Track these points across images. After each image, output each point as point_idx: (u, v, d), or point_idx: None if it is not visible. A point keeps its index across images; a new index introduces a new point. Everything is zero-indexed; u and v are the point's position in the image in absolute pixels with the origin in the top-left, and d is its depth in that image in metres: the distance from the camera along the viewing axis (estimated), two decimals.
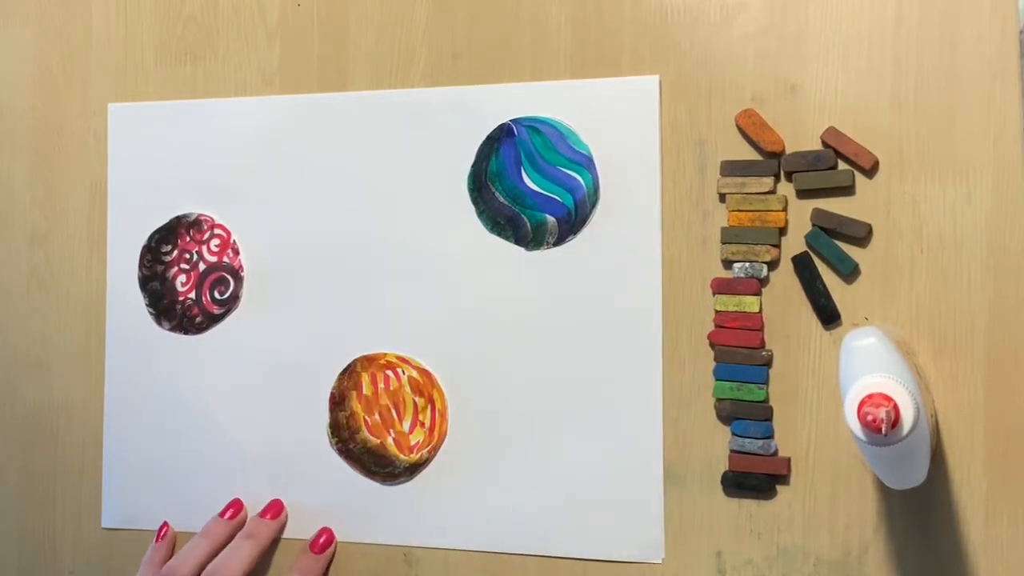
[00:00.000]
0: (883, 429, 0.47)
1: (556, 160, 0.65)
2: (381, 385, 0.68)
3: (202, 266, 0.71)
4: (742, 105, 0.61)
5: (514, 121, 0.66)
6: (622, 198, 0.63)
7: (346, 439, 0.68)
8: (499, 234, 0.66)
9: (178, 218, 0.71)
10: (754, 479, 0.61)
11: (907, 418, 0.48)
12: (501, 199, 0.65)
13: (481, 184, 0.66)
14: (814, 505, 0.60)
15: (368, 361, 0.68)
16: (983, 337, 0.58)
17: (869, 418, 0.47)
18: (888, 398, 0.47)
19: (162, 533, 0.70)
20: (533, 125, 0.65)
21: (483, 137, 0.66)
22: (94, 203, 0.74)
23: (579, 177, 0.64)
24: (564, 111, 0.64)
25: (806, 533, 0.61)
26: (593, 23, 0.64)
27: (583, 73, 0.65)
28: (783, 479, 0.61)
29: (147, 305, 0.72)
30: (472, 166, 0.66)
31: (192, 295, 0.71)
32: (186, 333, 0.71)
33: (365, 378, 0.68)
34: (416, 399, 0.67)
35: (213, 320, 0.70)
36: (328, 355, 0.68)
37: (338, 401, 0.68)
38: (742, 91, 0.61)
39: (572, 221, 0.64)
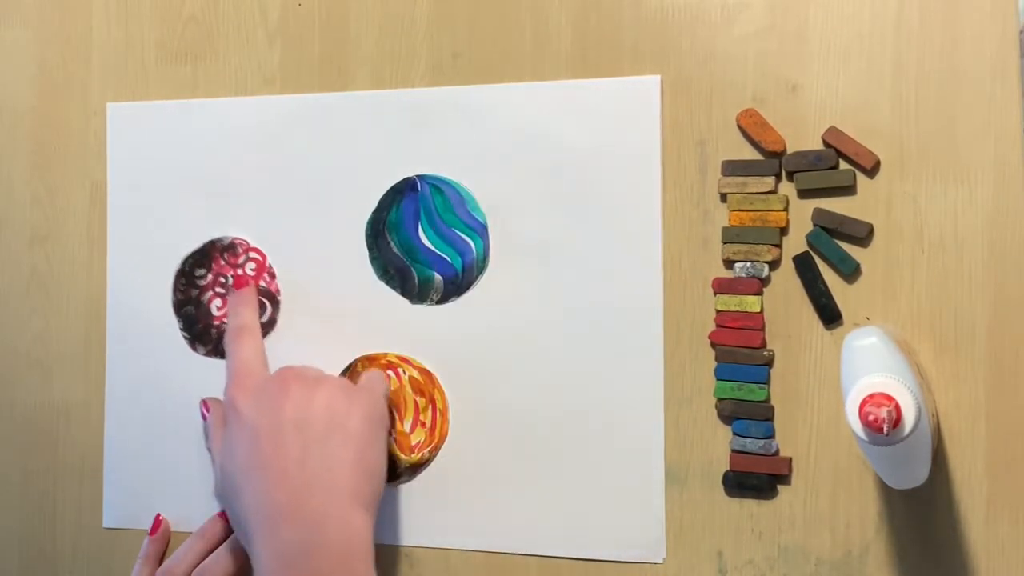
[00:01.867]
0: (885, 429, 0.47)
1: (453, 222, 0.66)
2: None
3: None
4: (743, 105, 0.61)
5: (419, 177, 0.67)
6: (622, 198, 0.63)
7: None
8: (387, 283, 0.67)
9: (212, 242, 0.71)
10: (755, 479, 0.61)
11: (908, 418, 0.48)
12: (395, 249, 0.67)
13: (378, 232, 0.67)
14: (815, 505, 0.60)
15: (369, 361, 0.68)
16: (984, 337, 0.58)
17: (871, 418, 0.47)
18: (889, 398, 0.47)
19: (156, 526, 0.70)
20: (436, 184, 0.66)
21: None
22: (94, 203, 0.74)
23: (471, 242, 0.66)
24: (564, 111, 0.64)
25: (807, 533, 0.61)
26: (594, 23, 0.64)
27: (584, 73, 0.65)
28: (784, 479, 0.61)
29: (181, 330, 0.71)
30: (373, 213, 0.67)
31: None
32: (222, 357, 0.70)
33: None
34: (417, 399, 0.67)
35: None
36: (329, 354, 0.68)
37: None
38: (743, 91, 0.62)
39: (458, 283, 0.66)
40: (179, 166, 0.72)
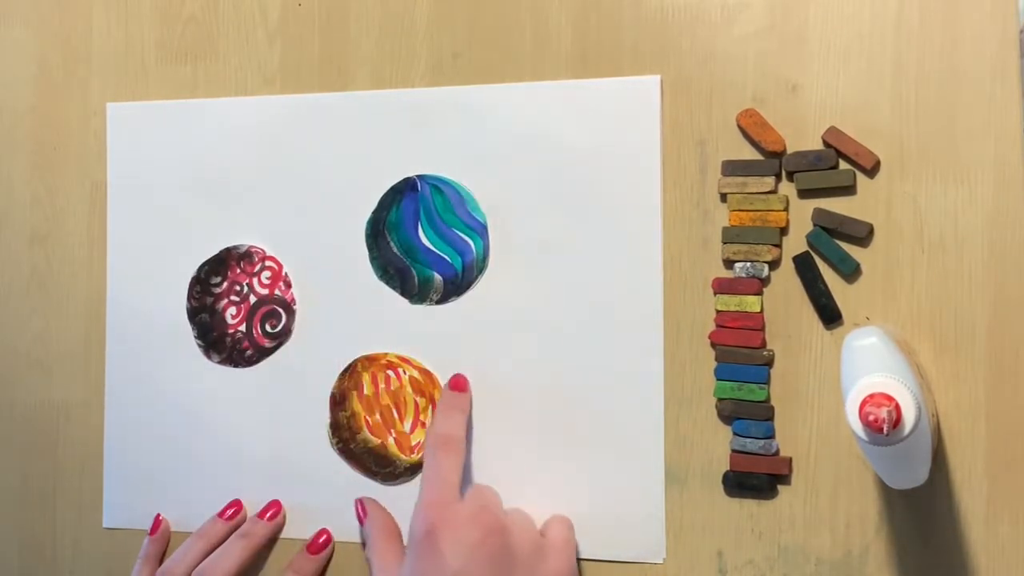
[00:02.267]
0: (885, 429, 0.47)
1: (453, 222, 0.66)
2: (382, 385, 0.68)
3: (252, 299, 0.70)
4: (743, 105, 0.61)
5: (419, 177, 0.66)
6: (623, 198, 0.63)
7: (347, 439, 0.68)
8: (387, 283, 0.67)
9: (228, 249, 0.70)
10: (755, 479, 0.61)
11: (908, 418, 0.48)
12: (395, 249, 0.66)
13: (378, 232, 0.67)
14: (815, 505, 0.60)
15: (369, 361, 0.68)
16: (984, 337, 0.58)
17: (871, 418, 0.47)
18: (889, 398, 0.47)
19: (156, 526, 0.70)
20: (436, 184, 0.66)
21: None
22: (94, 203, 0.74)
23: (471, 242, 0.66)
24: (564, 111, 0.65)
25: (807, 533, 0.61)
26: (594, 23, 0.64)
27: (584, 73, 0.65)
28: (784, 479, 0.61)
29: (196, 337, 0.71)
30: (373, 213, 0.67)
31: (243, 328, 0.70)
32: (236, 366, 0.70)
33: (366, 378, 0.68)
34: (417, 399, 0.67)
35: (264, 353, 0.70)
36: (329, 355, 0.68)
37: (339, 401, 0.68)
38: (743, 91, 0.62)
39: (458, 283, 0.66)
40: (179, 166, 0.71)
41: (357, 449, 0.68)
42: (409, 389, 0.67)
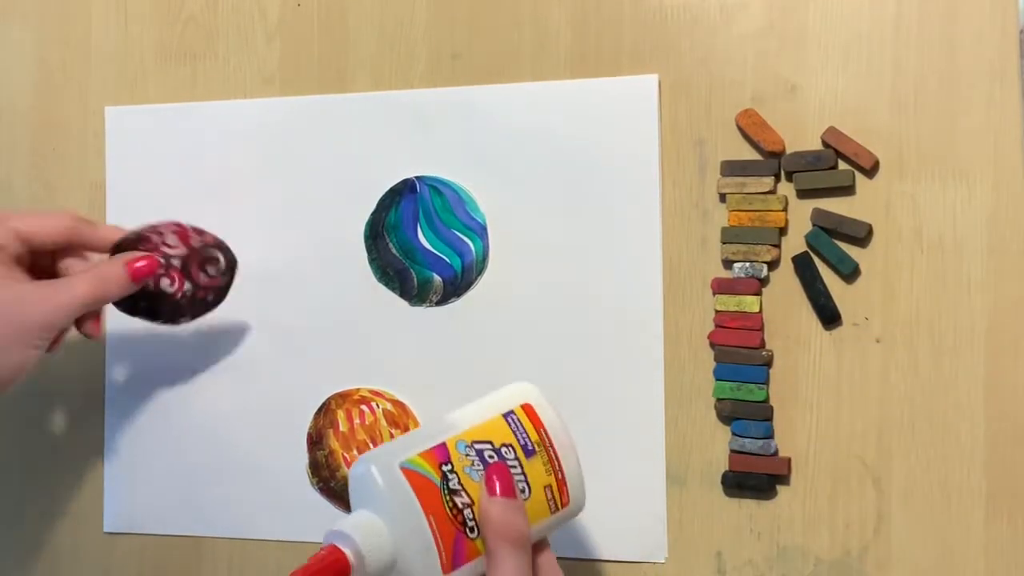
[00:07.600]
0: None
1: (452, 223, 0.66)
2: (357, 420, 0.67)
3: (175, 262, 0.65)
4: (742, 105, 0.61)
5: (418, 178, 0.67)
6: (622, 198, 0.63)
7: (327, 478, 0.68)
8: (386, 284, 0.67)
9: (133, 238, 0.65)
10: (754, 479, 0.61)
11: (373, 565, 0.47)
12: (394, 251, 0.67)
13: (377, 233, 0.67)
14: (814, 505, 0.60)
15: (342, 398, 0.68)
16: (983, 337, 0.58)
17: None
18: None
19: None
20: (435, 186, 0.66)
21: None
22: (94, 203, 0.74)
23: (471, 243, 0.66)
24: (564, 111, 0.64)
25: (806, 533, 0.60)
26: (593, 23, 0.64)
27: (583, 73, 0.65)
28: (783, 479, 0.61)
29: (152, 320, 0.66)
30: (372, 214, 0.67)
31: (187, 287, 0.65)
32: (209, 312, 0.66)
33: (340, 415, 0.67)
34: (393, 431, 0.66)
35: (223, 291, 0.66)
36: (327, 356, 0.68)
37: (316, 440, 0.68)
38: (742, 91, 0.61)
39: (457, 284, 0.66)
40: (178, 168, 0.71)
41: (338, 487, 0.67)
42: (384, 422, 0.67)
